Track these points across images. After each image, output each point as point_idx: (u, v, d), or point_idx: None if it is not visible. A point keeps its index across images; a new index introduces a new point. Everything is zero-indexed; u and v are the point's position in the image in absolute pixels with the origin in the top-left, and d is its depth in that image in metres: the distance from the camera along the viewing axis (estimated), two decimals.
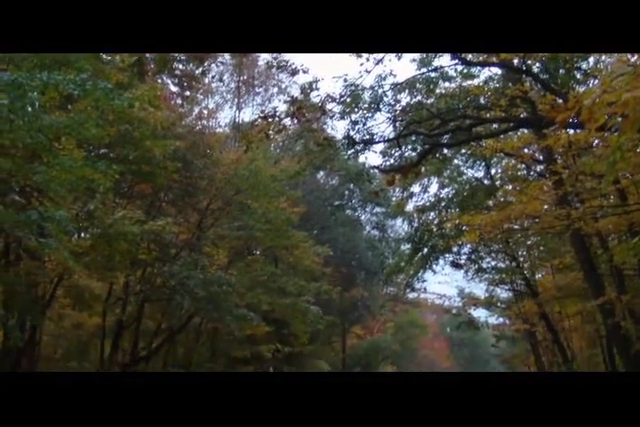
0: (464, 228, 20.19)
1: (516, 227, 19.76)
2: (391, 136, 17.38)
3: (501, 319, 39.10)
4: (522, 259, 30.41)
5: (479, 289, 77.92)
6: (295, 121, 16.19)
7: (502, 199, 24.07)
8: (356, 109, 16.50)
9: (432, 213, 29.33)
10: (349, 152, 18.33)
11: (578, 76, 16.89)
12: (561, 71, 16.19)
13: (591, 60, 16.96)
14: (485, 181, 27.85)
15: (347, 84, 15.76)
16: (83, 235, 21.32)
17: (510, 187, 25.46)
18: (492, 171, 27.86)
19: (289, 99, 16.21)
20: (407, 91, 17.21)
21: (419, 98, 17.49)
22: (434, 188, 31.42)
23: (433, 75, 17.68)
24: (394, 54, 15.04)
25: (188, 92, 31.25)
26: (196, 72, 29.47)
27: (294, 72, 16.77)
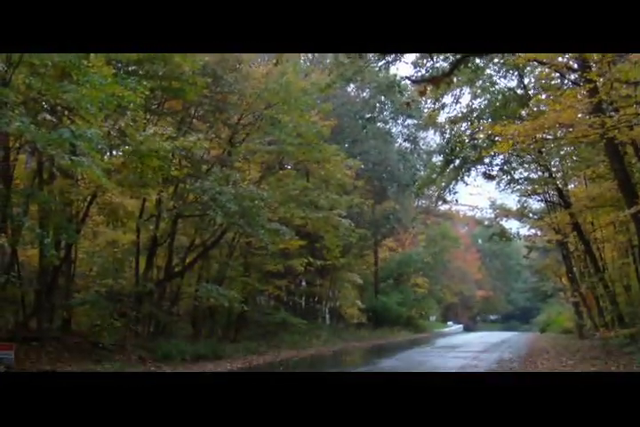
0: (496, 138, 19.95)
1: (549, 136, 19.46)
2: None
3: (533, 230, 39.08)
4: (554, 169, 30.07)
5: (511, 200, 78.14)
6: None
7: (535, 109, 23.63)
8: None
9: (464, 124, 28.89)
10: (380, 64, 18.11)
11: None
12: None
13: None
14: (518, 91, 27.33)
15: None
16: (114, 152, 21.44)
17: (544, 96, 24.97)
18: (526, 80, 27.28)
19: None
20: None
21: None
22: (466, 98, 31.11)
23: None
24: None
25: None
26: None
27: None
